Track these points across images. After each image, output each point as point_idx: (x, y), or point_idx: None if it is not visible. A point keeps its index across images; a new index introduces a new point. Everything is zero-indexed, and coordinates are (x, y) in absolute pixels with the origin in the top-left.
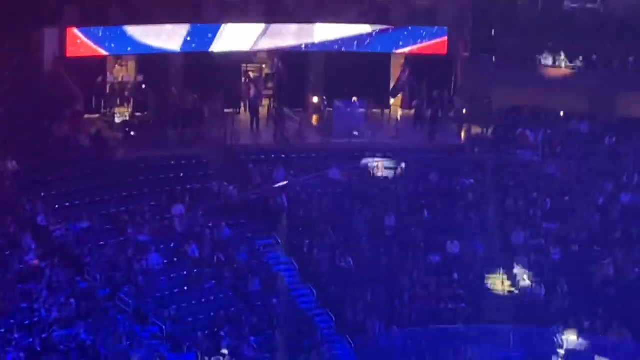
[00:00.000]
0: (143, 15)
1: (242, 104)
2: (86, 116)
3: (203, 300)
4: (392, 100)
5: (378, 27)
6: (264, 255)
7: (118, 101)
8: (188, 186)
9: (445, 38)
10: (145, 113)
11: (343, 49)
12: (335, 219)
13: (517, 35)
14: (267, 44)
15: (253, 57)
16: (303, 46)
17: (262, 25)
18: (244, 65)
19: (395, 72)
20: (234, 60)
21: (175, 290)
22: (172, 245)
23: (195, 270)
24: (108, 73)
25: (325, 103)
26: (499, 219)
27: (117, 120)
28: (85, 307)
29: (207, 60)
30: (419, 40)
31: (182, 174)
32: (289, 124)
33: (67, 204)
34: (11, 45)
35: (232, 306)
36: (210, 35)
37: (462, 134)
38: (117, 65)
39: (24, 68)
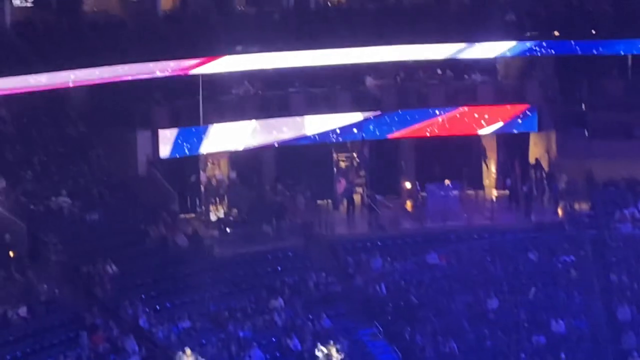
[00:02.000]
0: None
1: (336, 194)
2: (182, 216)
3: None
4: (485, 181)
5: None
6: (366, 345)
7: (212, 199)
8: (286, 279)
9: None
10: (240, 209)
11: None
12: (435, 304)
13: (607, 107)
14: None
15: (344, 146)
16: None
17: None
18: (335, 155)
19: (490, 153)
20: (325, 151)
21: None
22: (273, 339)
23: None
24: (201, 171)
25: (418, 188)
26: (604, 295)
27: (213, 218)
28: None
29: (298, 152)
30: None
31: (279, 268)
32: (383, 211)
33: (168, 305)
34: (105, 150)
35: None
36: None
37: (560, 211)
38: (209, 164)
39: (119, 171)
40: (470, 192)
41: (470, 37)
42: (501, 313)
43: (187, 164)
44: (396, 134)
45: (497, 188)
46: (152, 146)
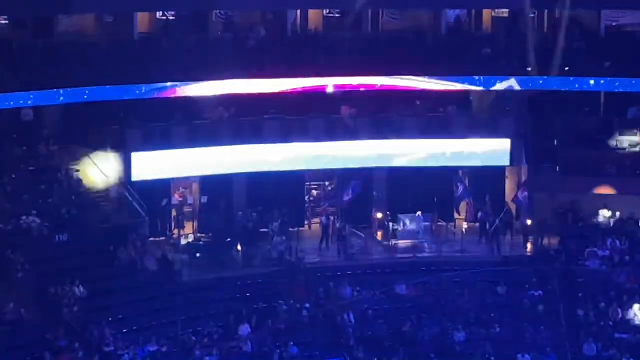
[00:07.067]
0: None
1: (307, 222)
2: (151, 239)
3: None
4: (456, 214)
5: None
6: None
7: (183, 223)
8: (254, 306)
9: None
10: (210, 234)
11: None
12: (403, 335)
13: (579, 145)
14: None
15: (316, 174)
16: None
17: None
18: (307, 183)
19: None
20: (297, 179)
21: None
22: None
23: None
24: (172, 195)
25: (390, 218)
26: (570, 330)
27: (183, 242)
28: None
29: (270, 179)
30: None
31: (248, 294)
32: (353, 241)
33: (135, 328)
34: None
35: None
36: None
37: (529, 246)
38: (180, 188)
39: (89, 193)
40: (442, 224)
41: None
42: (468, 346)
43: (159, 187)
44: None
45: (467, 221)
46: (124, 168)
